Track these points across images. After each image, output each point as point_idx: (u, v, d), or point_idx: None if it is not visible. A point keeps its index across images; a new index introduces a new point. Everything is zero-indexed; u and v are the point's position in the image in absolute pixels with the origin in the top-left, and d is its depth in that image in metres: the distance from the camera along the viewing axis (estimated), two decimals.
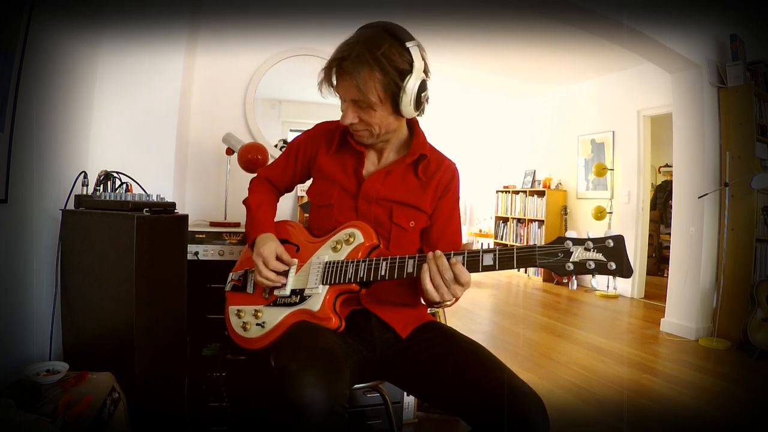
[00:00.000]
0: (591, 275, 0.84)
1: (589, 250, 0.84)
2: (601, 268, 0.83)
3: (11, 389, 1.02)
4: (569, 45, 4.06)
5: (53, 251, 1.38)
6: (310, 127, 1.28)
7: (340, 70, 1.03)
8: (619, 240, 0.83)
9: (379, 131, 1.09)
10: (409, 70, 1.02)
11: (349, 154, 1.18)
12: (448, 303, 0.99)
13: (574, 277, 0.86)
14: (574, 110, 5.57)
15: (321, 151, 1.21)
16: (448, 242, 1.18)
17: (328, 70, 1.05)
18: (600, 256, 0.83)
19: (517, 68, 4.98)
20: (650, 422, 2.01)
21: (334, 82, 1.06)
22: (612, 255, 0.83)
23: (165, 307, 1.44)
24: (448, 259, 0.93)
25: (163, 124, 1.97)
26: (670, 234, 3.67)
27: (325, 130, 1.24)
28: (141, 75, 1.88)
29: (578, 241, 0.85)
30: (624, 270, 0.82)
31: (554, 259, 0.85)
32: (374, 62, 0.99)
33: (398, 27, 1.04)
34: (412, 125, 1.19)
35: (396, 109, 1.06)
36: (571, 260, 0.84)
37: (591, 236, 0.85)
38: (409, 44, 1.02)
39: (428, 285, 0.92)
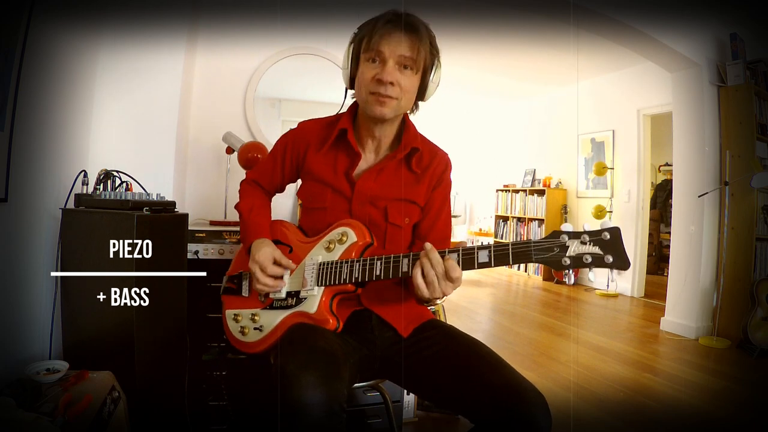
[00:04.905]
0: (588, 269, 0.82)
1: (585, 243, 0.82)
2: (598, 262, 0.81)
3: (11, 388, 1.02)
4: (569, 44, 4.05)
5: (53, 251, 1.38)
6: None
7: (408, 21, 1.02)
8: (615, 232, 0.81)
9: (406, 105, 1.08)
10: (436, 64, 1.07)
11: (343, 153, 1.14)
12: (437, 301, 0.98)
13: (571, 271, 0.85)
14: (573, 109, 5.56)
15: (310, 150, 1.16)
16: (438, 234, 1.17)
17: (379, 20, 1.02)
18: (597, 250, 0.81)
19: (516, 67, 4.97)
20: (650, 421, 2.02)
21: (382, 36, 1.01)
22: (609, 248, 0.81)
23: (165, 306, 1.44)
24: (442, 256, 0.92)
25: (163, 123, 1.97)
26: (670, 233, 3.66)
27: (313, 127, 1.18)
28: (141, 74, 1.88)
29: (574, 235, 0.83)
30: (621, 262, 0.80)
31: (550, 254, 0.84)
32: (426, 34, 1.03)
33: None
34: (403, 118, 1.16)
35: (420, 95, 1.09)
36: (567, 255, 0.83)
37: (587, 229, 0.83)
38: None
39: (419, 279, 0.92)
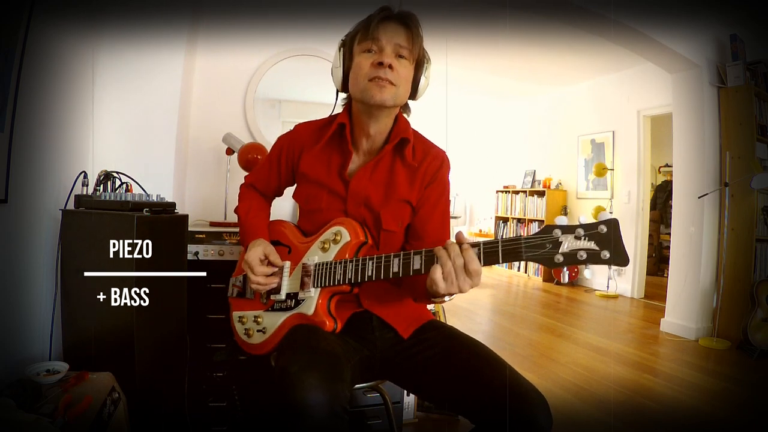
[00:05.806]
0: (584, 266, 0.77)
1: (579, 238, 0.76)
2: (593, 258, 0.74)
3: (11, 389, 1.02)
4: (569, 45, 4.05)
5: (53, 251, 1.38)
6: None
7: (402, 13, 1.04)
8: (613, 225, 0.75)
9: (403, 95, 1.06)
10: (427, 63, 1.09)
11: (336, 152, 1.13)
12: (446, 299, 0.96)
13: (565, 269, 0.81)
14: (573, 110, 5.56)
15: (304, 152, 1.16)
16: (433, 234, 1.12)
17: (374, 14, 1.04)
18: (592, 245, 0.75)
19: (517, 68, 4.97)
20: (650, 422, 2.01)
21: (379, 24, 1.02)
22: (606, 242, 0.74)
23: (165, 306, 1.44)
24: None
25: (163, 124, 1.97)
26: (670, 234, 3.67)
27: (307, 129, 1.18)
28: (141, 75, 1.88)
29: (568, 229, 0.77)
30: (620, 259, 0.73)
31: (542, 251, 0.78)
32: (420, 30, 1.05)
33: None
34: (396, 116, 1.14)
35: (412, 92, 1.10)
36: (560, 251, 0.76)
37: (582, 222, 0.77)
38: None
39: (437, 274, 0.85)
